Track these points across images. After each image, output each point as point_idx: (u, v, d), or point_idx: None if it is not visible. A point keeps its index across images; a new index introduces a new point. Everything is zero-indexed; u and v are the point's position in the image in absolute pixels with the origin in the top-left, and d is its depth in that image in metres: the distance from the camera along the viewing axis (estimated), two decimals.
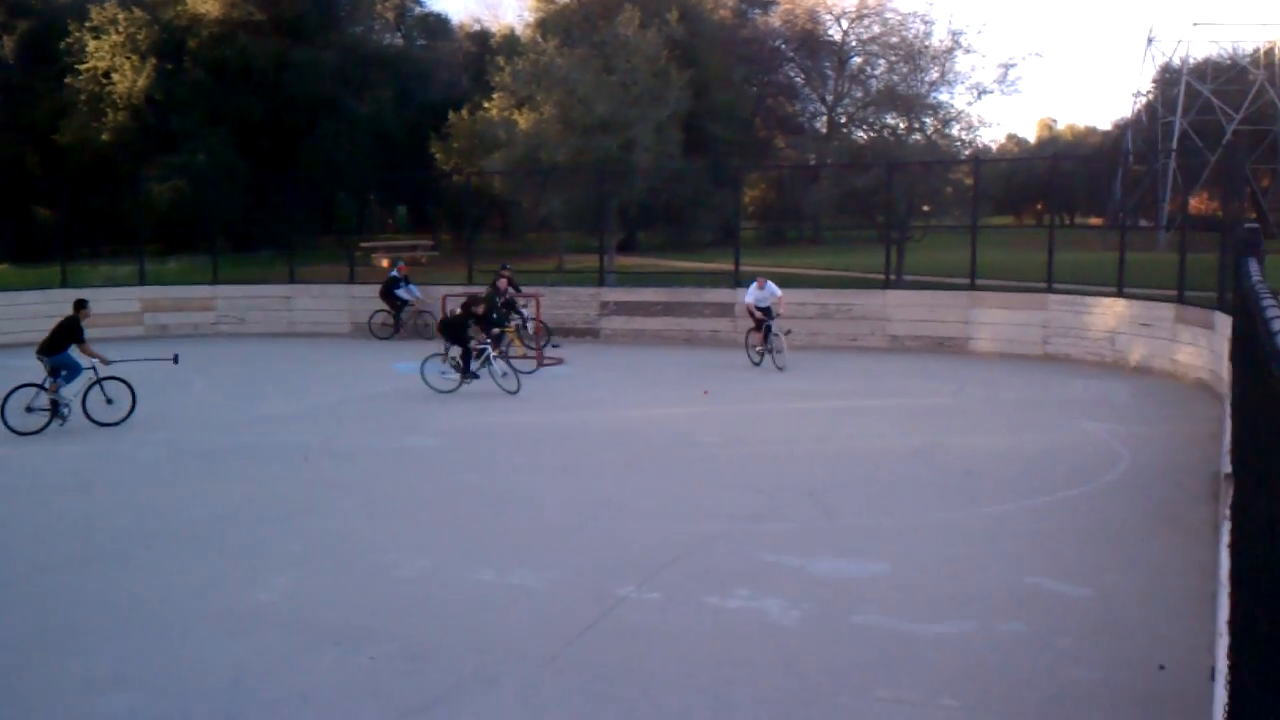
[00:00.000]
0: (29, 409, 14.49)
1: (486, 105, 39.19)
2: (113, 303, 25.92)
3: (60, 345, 14.68)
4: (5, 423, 14.39)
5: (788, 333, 19.78)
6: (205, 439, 14.41)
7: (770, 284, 19.64)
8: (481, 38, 55.92)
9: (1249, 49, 60.21)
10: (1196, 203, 36.45)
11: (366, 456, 13.30)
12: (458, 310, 18.43)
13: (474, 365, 17.38)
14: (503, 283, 20.32)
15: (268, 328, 26.44)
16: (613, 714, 6.45)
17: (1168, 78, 61.42)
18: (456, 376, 17.42)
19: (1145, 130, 60.36)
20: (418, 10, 58.26)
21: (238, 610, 8.25)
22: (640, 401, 16.77)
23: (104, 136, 45.57)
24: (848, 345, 22.16)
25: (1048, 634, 7.38)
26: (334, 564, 9.26)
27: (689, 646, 7.39)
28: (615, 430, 14.53)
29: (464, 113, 41.55)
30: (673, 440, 13.90)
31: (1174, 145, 53.62)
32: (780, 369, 19.06)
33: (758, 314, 19.48)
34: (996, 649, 7.19)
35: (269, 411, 16.40)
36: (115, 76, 45.91)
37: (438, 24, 58.67)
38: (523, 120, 36.47)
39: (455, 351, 17.63)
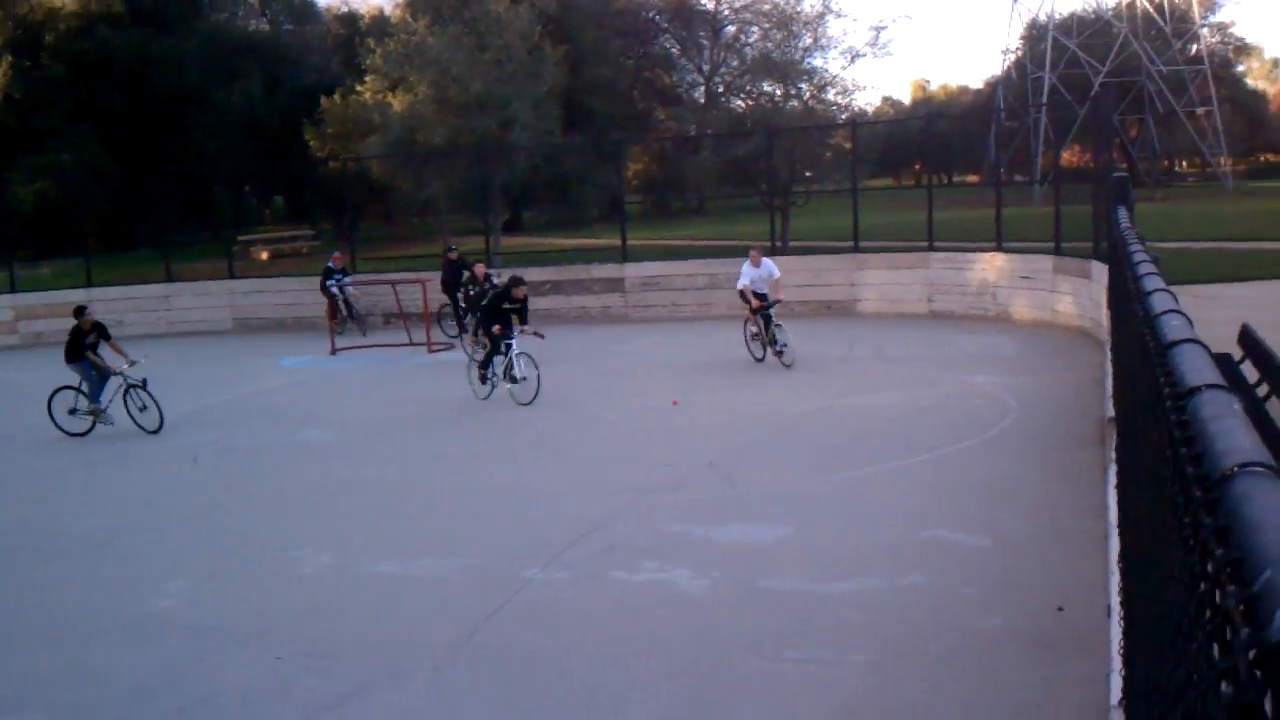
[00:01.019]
0: (71, 411, 14.39)
1: (359, 89, 38.51)
2: None
3: (70, 355, 14.36)
4: (54, 422, 14.42)
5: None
6: (92, 446, 13.97)
7: (766, 260, 16.45)
8: (350, 20, 54.94)
9: (1112, 2, 62.01)
10: (1068, 155, 37.42)
11: (262, 454, 13.02)
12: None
13: (496, 368, 14.87)
14: (480, 269, 19.07)
15: (148, 329, 25.65)
16: (524, 697, 6.42)
17: (1035, 34, 62.98)
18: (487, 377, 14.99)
19: (1016, 87, 61.80)
20: None
21: (137, 619, 8.01)
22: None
23: None
24: (738, 314, 22.27)
25: (950, 585, 7.53)
26: (234, 565, 9.05)
27: (599, 623, 7.38)
28: (517, 414, 14.44)
29: (336, 97, 40.77)
30: (574, 419, 13.87)
31: (1044, 100, 54.90)
32: (787, 366, 15.79)
33: (754, 300, 16.08)
34: (901, 603, 7.31)
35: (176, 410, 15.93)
36: None
37: (304, 7, 57.47)
38: (397, 102, 35.93)
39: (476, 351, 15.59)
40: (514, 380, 14.58)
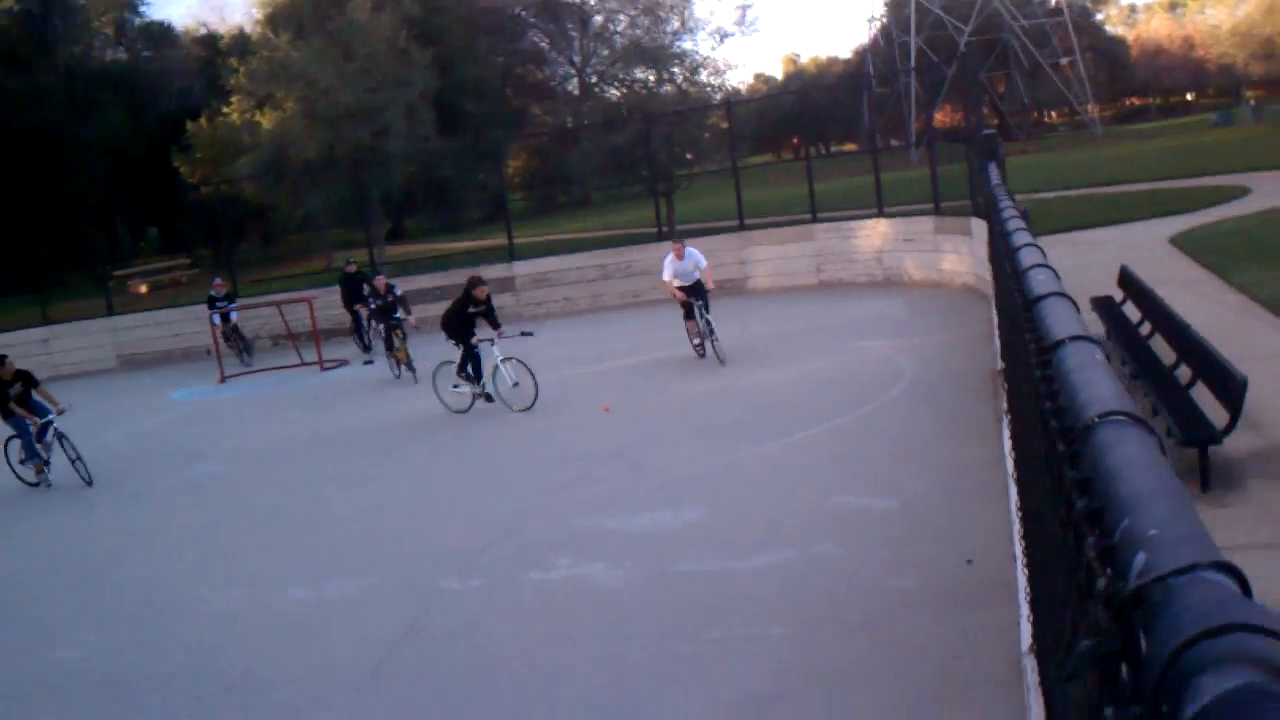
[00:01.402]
0: (22, 461, 13.69)
1: (226, 110, 37.75)
2: None
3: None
4: (14, 472, 13.79)
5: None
6: None
7: (692, 249, 15.21)
8: (210, 41, 53.63)
9: None
10: (941, 116, 38.12)
11: (157, 494, 12.68)
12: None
13: (485, 377, 14.11)
14: (380, 281, 18.30)
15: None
16: (452, 709, 6.36)
17: (898, 0, 63.96)
18: (468, 390, 14.23)
19: (884, 53, 62.79)
20: (138, 21, 55.46)
21: (40, 675, 7.76)
22: (424, 393, 16.49)
23: None
24: (631, 302, 22.34)
25: (862, 549, 7.64)
26: (139, 609, 8.82)
27: (520, 625, 7.35)
28: (410, 426, 14.27)
29: (203, 121, 39.86)
30: (474, 425, 13.75)
31: (912, 64, 55.87)
32: (722, 362, 14.83)
33: (680, 295, 15.06)
34: (815, 572, 7.40)
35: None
36: None
37: (161, 32, 55.98)
38: (266, 120, 35.31)
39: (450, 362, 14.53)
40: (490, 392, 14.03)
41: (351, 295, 20.28)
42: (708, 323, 14.92)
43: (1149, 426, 1.52)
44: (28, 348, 24.91)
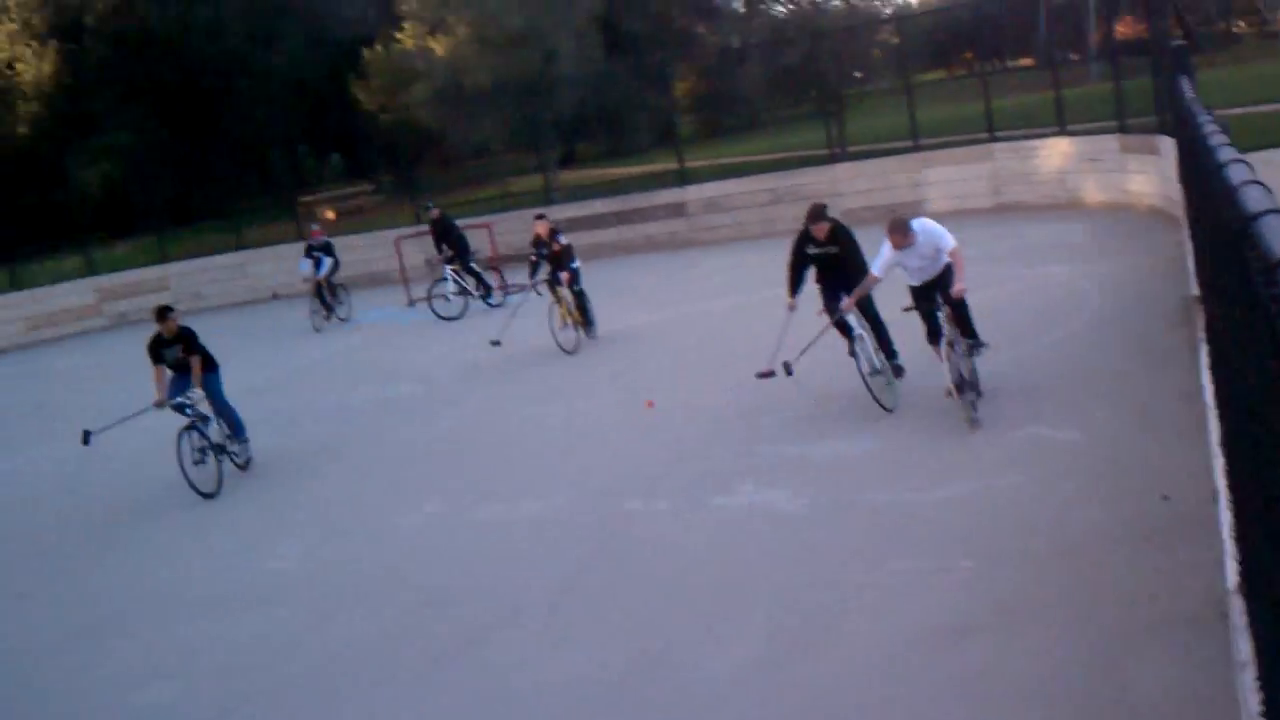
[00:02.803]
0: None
1: (399, 37, 38.41)
2: (69, 297, 25.62)
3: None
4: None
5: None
6: None
7: (927, 226, 9.30)
8: None
9: None
10: (1122, 28, 36.33)
11: (349, 413, 13.28)
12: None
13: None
14: (542, 227, 14.94)
15: (227, 298, 26.16)
16: (641, 627, 6.60)
17: None
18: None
19: None
20: None
21: (252, 582, 8.33)
22: (609, 314, 16.73)
23: (20, 130, 44.39)
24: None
25: (1048, 482, 7.57)
26: (339, 526, 9.35)
27: (704, 549, 7.54)
28: (597, 349, 14.56)
29: (378, 48, 40.70)
30: (651, 347, 13.97)
31: None
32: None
33: (911, 298, 9.61)
34: (1001, 504, 7.37)
35: (247, 381, 16.17)
36: (19, 66, 44.60)
37: None
38: (438, 47, 35.79)
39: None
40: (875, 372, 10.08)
41: (444, 239, 19.26)
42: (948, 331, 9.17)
43: None
44: (225, 272, 26.26)
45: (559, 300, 14.62)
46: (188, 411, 10.80)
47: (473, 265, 19.22)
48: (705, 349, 13.46)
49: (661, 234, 23.35)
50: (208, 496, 10.55)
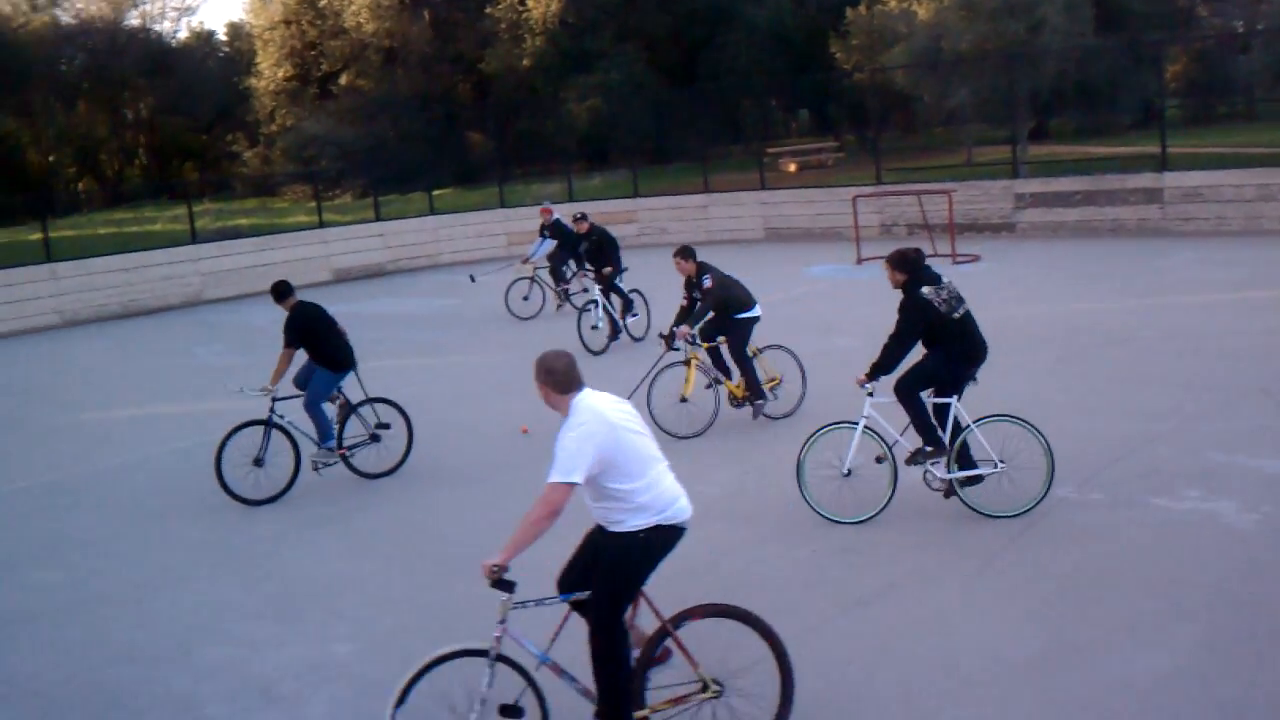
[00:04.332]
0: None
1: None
2: None
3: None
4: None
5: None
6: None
7: None
8: None
9: None
10: None
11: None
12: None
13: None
14: (686, 266, 11.26)
15: (685, 237, 27.46)
16: (1057, 613, 6.53)
17: None
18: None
19: None
20: None
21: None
22: (1063, 297, 16.21)
23: (524, 62, 48.33)
24: None
25: None
26: (765, 462, 9.75)
27: (1137, 549, 7.31)
28: (1040, 328, 14.20)
29: (862, 9, 40.87)
30: (1103, 337, 13.43)
31: None
32: None
33: None
34: None
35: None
36: (530, 3, 48.48)
37: None
38: (923, 10, 35.43)
39: None
40: None
41: (567, 248, 18.07)
42: None
43: None
44: (689, 212, 27.70)
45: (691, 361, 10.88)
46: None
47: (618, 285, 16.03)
48: (1166, 344, 12.76)
49: (1131, 219, 22.12)
50: None
